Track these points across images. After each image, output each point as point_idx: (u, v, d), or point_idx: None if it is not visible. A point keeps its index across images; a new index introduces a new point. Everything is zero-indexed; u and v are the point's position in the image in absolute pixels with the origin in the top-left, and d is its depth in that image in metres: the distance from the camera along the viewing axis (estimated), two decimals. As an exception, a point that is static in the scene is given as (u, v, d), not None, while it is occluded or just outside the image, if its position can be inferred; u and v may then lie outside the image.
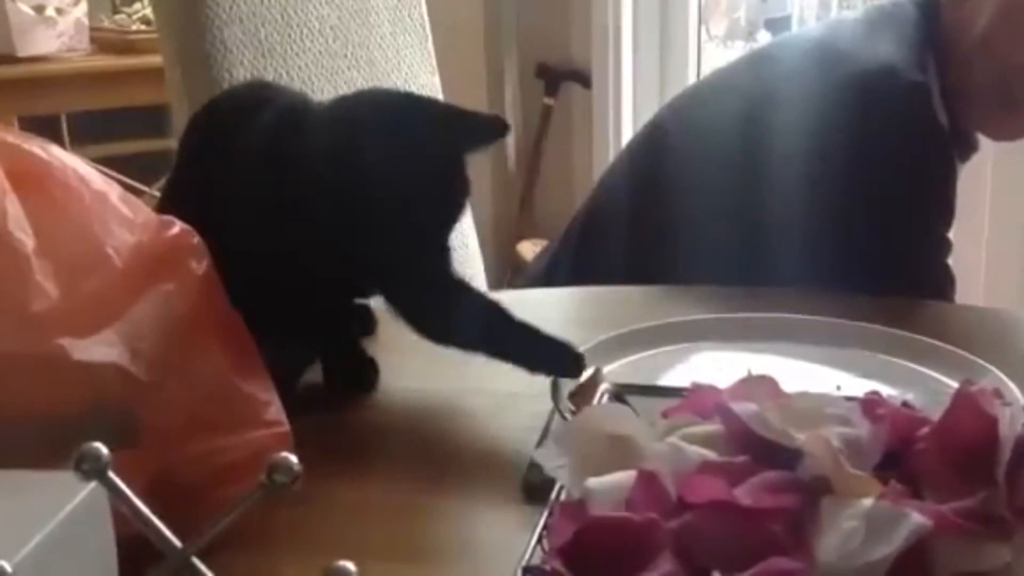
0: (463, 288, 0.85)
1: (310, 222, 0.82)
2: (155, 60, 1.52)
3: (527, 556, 0.58)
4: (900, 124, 1.18)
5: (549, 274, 1.40)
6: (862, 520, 0.53)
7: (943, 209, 1.22)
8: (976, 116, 1.27)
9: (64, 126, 3.05)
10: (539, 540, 0.59)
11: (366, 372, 0.93)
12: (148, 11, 2.76)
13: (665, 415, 0.66)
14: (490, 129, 0.85)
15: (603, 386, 0.77)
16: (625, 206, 1.35)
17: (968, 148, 1.32)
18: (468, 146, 0.83)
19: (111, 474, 0.47)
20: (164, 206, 0.90)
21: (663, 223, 1.29)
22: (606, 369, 0.91)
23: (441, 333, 0.84)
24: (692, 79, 2.73)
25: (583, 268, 1.35)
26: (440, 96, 1.60)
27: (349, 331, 0.95)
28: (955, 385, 0.61)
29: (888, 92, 1.18)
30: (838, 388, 0.81)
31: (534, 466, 0.77)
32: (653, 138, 1.38)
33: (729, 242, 1.23)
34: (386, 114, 0.84)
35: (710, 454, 0.59)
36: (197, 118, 0.95)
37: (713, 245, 1.23)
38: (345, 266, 0.84)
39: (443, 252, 0.84)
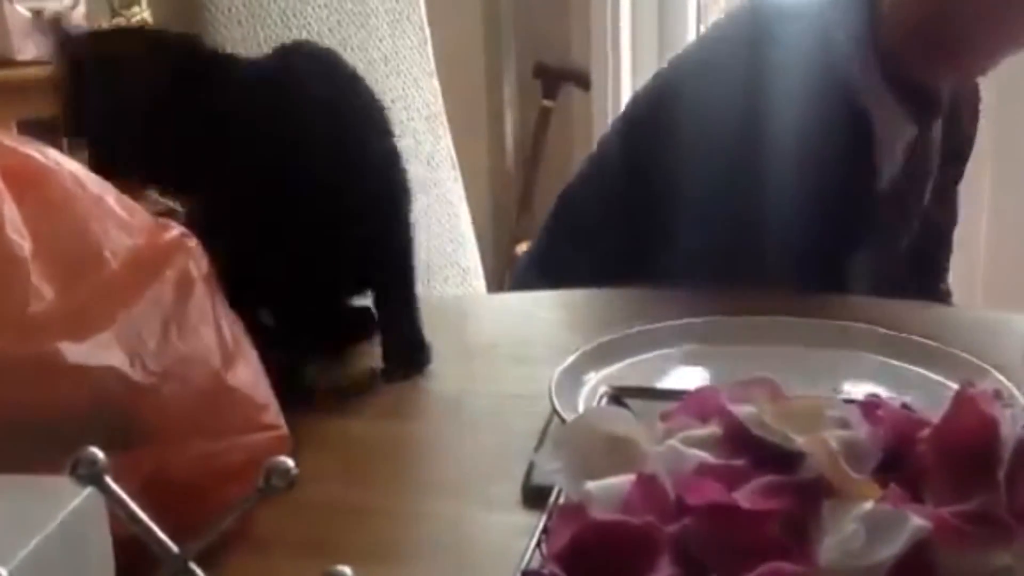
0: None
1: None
2: (153, 63, 1.51)
3: (526, 559, 0.58)
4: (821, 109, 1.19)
5: (540, 255, 1.43)
6: (862, 523, 0.53)
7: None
8: (917, 64, 1.25)
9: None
10: (538, 543, 0.59)
11: (419, 352, 0.95)
12: (147, 14, 2.75)
13: (664, 418, 0.65)
14: None
15: (602, 389, 0.77)
16: (615, 181, 1.36)
17: (928, 106, 1.30)
18: None
19: (108, 479, 0.47)
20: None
21: (655, 195, 1.30)
22: (604, 372, 0.91)
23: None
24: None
25: (572, 244, 1.38)
26: (440, 99, 1.60)
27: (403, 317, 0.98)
28: (955, 387, 0.61)
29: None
30: (837, 390, 0.81)
31: (534, 469, 0.77)
32: (647, 114, 1.39)
33: (721, 230, 1.24)
34: None
35: (709, 457, 0.59)
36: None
37: (706, 225, 1.24)
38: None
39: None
